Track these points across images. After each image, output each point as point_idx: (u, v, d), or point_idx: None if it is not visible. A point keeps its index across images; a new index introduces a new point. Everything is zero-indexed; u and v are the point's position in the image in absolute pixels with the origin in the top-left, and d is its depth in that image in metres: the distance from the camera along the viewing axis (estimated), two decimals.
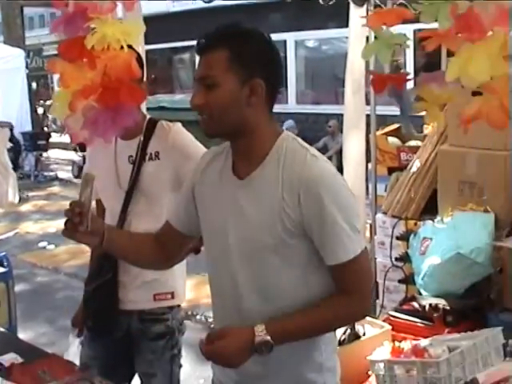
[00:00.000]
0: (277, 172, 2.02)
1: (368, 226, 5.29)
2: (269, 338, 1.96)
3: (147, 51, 4.32)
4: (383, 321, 3.68)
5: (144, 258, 2.43)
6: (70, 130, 3.00)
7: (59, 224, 2.57)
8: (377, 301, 4.74)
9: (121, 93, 2.47)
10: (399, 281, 4.54)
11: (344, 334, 3.30)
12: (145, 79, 2.97)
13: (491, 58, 1.80)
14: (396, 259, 4.56)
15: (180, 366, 3.23)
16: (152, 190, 3.03)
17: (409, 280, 4.33)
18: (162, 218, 2.95)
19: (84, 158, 10.71)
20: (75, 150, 14.14)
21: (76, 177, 14.37)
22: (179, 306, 3.20)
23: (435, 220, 4.02)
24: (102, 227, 2.23)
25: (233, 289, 2.12)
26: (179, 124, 3.10)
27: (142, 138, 3.02)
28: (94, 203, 3.25)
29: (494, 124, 1.93)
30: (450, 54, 2.11)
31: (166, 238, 2.37)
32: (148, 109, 3.95)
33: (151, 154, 3.01)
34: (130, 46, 2.75)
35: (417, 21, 2.29)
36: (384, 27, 2.47)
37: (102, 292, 3.08)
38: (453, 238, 3.70)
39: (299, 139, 2.12)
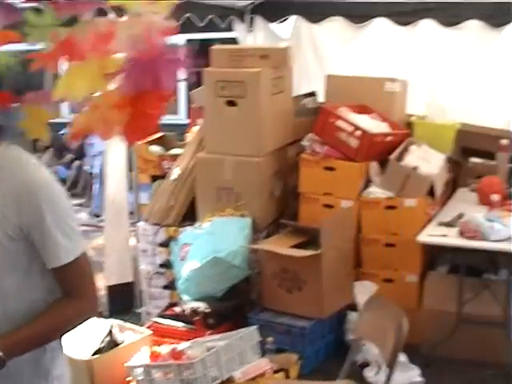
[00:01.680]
0: None
1: (132, 234, 5.29)
2: (1, 353, 1.92)
3: None
4: (148, 327, 3.70)
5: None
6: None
7: None
8: (142, 308, 4.75)
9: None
10: (164, 287, 4.59)
11: (102, 342, 3.29)
12: None
13: (90, 77, 2.07)
14: (160, 266, 4.60)
15: None
16: None
17: (172, 286, 4.39)
18: None
19: None
20: None
21: None
22: None
23: (195, 226, 4.11)
24: None
25: None
26: None
27: None
28: None
29: (101, 135, 2.22)
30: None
31: None
32: None
33: None
34: None
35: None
36: None
37: None
38: (211, 243, 3.81)
39: (19, 147, 2.11)
